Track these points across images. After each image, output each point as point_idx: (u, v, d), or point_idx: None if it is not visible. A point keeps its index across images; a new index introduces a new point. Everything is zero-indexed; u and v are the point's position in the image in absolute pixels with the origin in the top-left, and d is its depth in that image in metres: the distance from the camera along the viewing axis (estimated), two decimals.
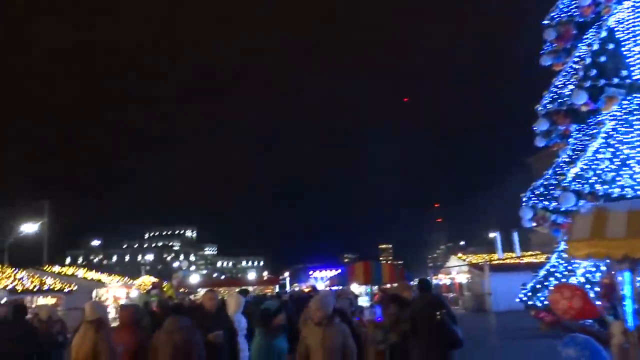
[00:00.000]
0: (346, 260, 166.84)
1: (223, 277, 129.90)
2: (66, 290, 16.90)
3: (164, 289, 21.86)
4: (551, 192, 16.39)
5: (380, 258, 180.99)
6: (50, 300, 16.53)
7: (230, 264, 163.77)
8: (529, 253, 33.56)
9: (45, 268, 19.04)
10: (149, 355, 5.07)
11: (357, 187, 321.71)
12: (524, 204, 17.10)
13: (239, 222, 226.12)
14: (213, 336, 5.66)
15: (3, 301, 10.97)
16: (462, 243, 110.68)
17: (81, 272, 19.10)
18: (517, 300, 16.81)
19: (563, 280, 15.39)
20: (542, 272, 16.50)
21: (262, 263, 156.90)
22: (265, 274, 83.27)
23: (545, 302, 15.42)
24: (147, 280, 26.05)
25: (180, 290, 22.99)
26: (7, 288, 12.77)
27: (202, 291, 35.71)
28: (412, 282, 21.61)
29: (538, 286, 16.16)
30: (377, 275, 11.56)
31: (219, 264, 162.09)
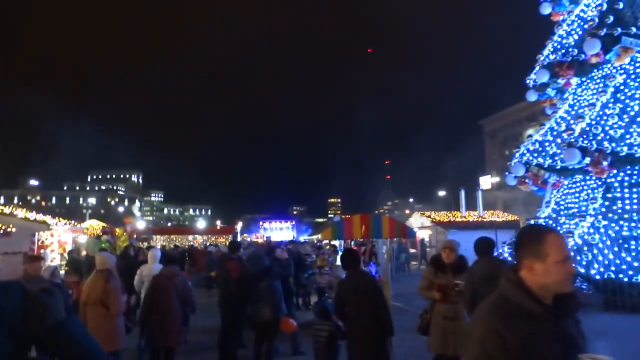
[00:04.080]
0: (294, 212, 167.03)
1: (170, 224, 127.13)
2: (2, 231, 14.58)
3: (117, 235, 19.88)
4: (546, 148, 15.57)
5: (329, 212, 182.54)
6: None
7: (178, 211, 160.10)
8: (490, 212, 33.74)
9: None
10: (150, 297, 6.24)
11: (307, 140, 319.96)
12: (516, 160, 16.24)
13: (186, 170, 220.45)
14: None
15: None
16: (411, 200, 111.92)
17: (21, 212, 16.71)
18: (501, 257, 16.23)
19: None
20: None
21: (209, 212, 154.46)
22: (218, 223, 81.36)
23: None
24: (95, 224, 23.72)
25: (134, 237, 21.06)
26: None
27: (156, 238, 33.63)
28: (410, 239, 20.89)
29: None
30: (377, 229, 10.29)
31: (165, 211, 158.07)
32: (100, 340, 4.86)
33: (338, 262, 10.08)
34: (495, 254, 16.27)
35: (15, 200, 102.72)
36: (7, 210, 16.82)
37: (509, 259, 15.78)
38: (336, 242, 17.13)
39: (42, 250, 16.26)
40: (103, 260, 5.90)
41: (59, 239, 18.06)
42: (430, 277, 5.55)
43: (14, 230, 15.07)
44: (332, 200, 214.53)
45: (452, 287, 5.26)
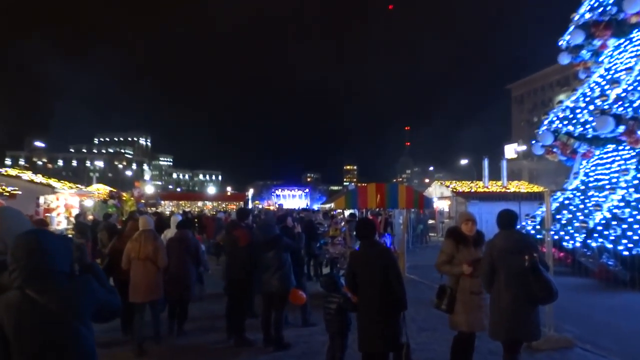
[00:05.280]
0: (309, 179, 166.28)
1: (179, 189, 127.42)
2: (7, 194, 14.13)
3: (124, 199, 19.45)
4: (577, 116, 14.59)
5: (344, 179, 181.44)
6: None
7: (187, 176, 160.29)
8: (515, 182, 32.52)
9: None
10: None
11: (323, 104, 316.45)
12: (544, 127, 15.34)
13: (196, 134, 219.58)
14: None
15: None
16: (430, 168, 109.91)
17: (26, 175, 16.29)
18: (523, 231, 15.51)
19: (579, 214, 14.09)
20: (555, 205, 15.15)
21: (220, 177, 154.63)
22: (229, 189, 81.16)
23: (555, 236, 14.18)
24: (101, 188, 23.32)
25: (142, 202, 20.64)
26: None
27: (164, 204, 33.33)
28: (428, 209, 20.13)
29: None
30: (393, 199, 9.74)
31: (174, 175, 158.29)
32: (148, 289, 6.49)
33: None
34: (518, 227, 15.60)
35: (22, 162, 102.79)
36: (12, 172, 16.44)
37: (532, 232, 15.11)
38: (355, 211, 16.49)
39: (47, 214, 15.87)
40: (146, 221, 6.73)
41: (66, 203, 17.67)
42: (450, 251, 5.12)
43: (19, 193, 14.64)
44: (348, 167, 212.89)
45: (479, 260, 4.92)
